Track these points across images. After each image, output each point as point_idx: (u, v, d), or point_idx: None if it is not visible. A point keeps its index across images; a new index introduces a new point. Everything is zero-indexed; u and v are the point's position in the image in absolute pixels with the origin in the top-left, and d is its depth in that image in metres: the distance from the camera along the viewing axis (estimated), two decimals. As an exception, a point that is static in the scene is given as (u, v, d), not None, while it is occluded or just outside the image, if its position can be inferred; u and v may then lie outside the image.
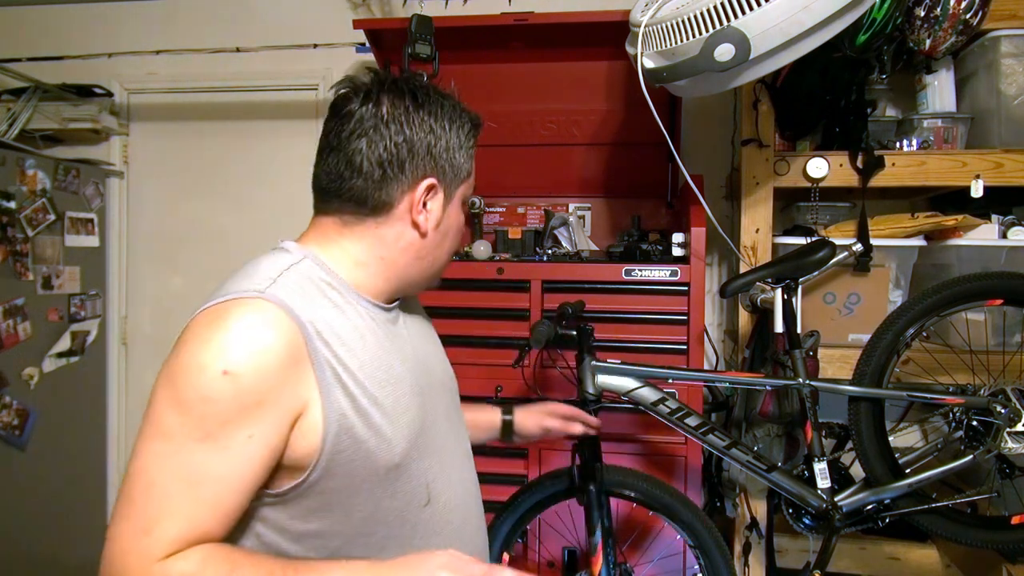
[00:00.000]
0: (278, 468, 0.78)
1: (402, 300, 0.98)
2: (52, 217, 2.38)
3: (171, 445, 0.72)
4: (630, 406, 1.65)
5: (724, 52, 1.27)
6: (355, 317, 0.85)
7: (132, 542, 0.71)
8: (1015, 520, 1.54)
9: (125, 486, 0.73)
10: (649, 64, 1.43)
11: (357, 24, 2.13)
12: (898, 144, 1.89)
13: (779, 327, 1.57)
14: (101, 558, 0.72)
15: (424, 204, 0.88)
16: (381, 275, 0.90)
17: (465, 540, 0.96)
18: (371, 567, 0.76)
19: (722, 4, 1.26)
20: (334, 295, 0.85)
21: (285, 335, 0.76)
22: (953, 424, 1.56)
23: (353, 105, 0.86)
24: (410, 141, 0.85)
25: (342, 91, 0.88)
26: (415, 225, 0.88)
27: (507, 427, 1.31)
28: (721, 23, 1.26)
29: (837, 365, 1.81)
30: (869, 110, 1.93)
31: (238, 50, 2.61)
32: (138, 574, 0.70)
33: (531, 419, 1.34)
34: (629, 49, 1.51)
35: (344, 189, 0.86)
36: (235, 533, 0.79)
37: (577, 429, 1.40)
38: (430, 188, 0.87)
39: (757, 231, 1.88)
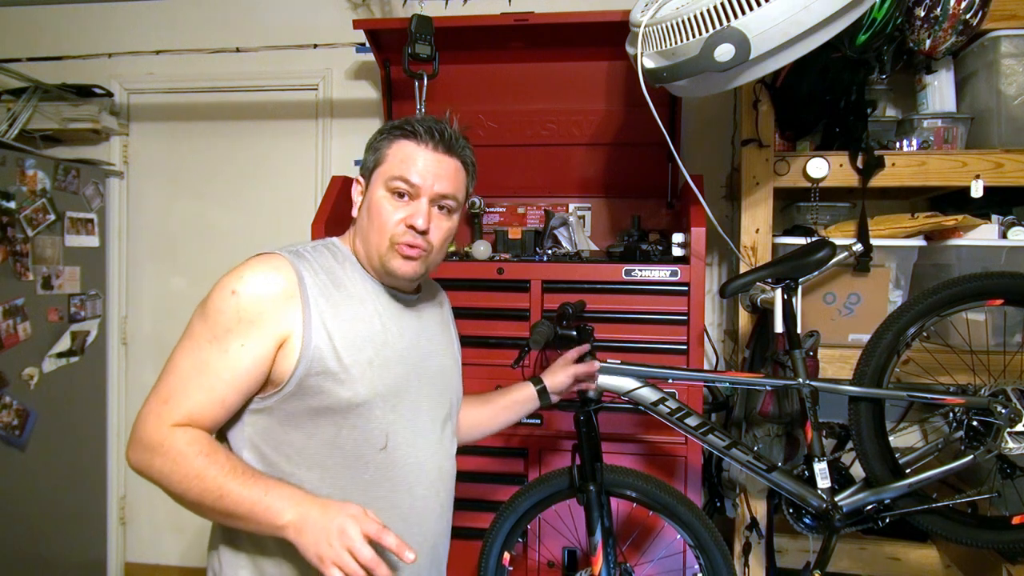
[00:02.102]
0: (267, 382, 1.01)
1: (428, 298, 1.23)
2: (52, 217, 2.38)
3: (192, 342, 0.99)
4: (630, 406, 1.65)
5: (724, 52, 1.27)
6: (358, 288, 1.10)
7: (154, 407, 0.97)
8: (1015, 520, 1.54)
9: (161, 372, 0.99)
10: (649, 64, 1.43)
11: (357, 24, 2.13)
12: (898, 144, 1.89)
13: (779, 327, 1.57)
14: (135, 419, 0.98)
15: (361, 195, 1.16)
16: (363, 260, 1.14)
17: (416, 506, 1.11)
18: (301, 493, 0.96)
19: (722, 4, 1.26)
20: (346, 270, 1.11)
21: (284, 278, 1.01)
22: (953, 424, 1.56)
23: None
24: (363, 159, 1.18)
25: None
26: (353, 219, 1.19)
27: (543, 393, 1.45)
28: (721, 23, 1.26)
29: (837, 365, 1.81)
30: (869, 110, 1.93)
31: (238, 50, 2.61)
32: (152, 429, 0.96)
33: (559, 375, 1.47)
34: (629, 49, 1.51)
35: None
36: (232, 428, 1.03)
37: (595, 366, 1.49)
38: (356, 182, 1.16)
39: (757, 231, 1.88)
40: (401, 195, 1.09)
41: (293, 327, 0.99)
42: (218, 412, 0.99)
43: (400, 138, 1.11)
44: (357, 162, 2.57)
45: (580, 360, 1.50)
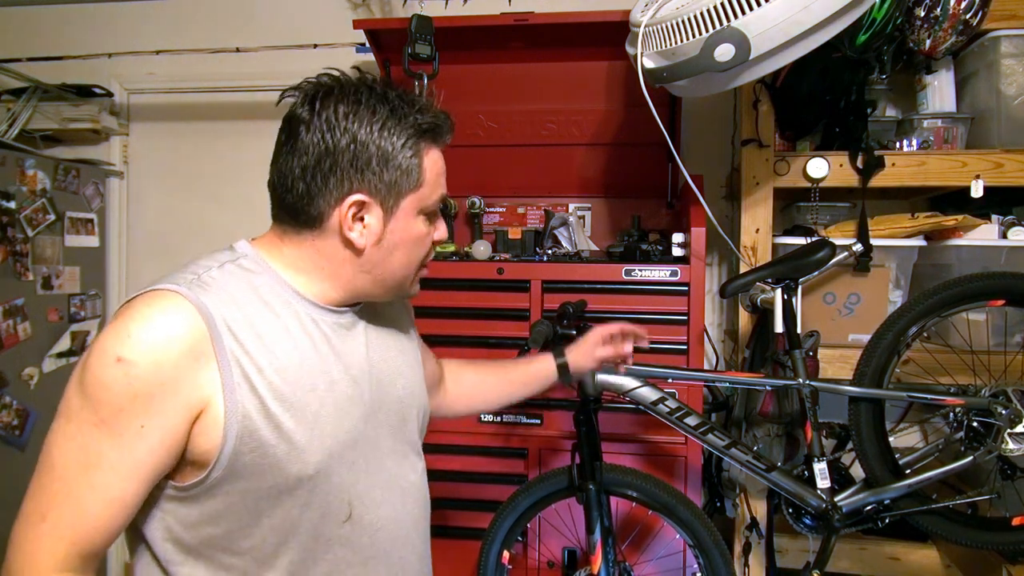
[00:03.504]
0: (183, 461, 0.77)
1: (369, 307, 0.94)
2: (52, 217, 2.38)
3: (72, 426, 0.73)
4: (630, 406, 1.65)
5: (724, 52, 1.27)
6: (289, 319, 0.83)
7: (25, 531, 0.72)
8: (1016, 521, 1.54)
9: (35, 473, 0.74)
10: (649, 64, 1.43)
11: (357, 24, 2.13)
12: (898, 144, 1.89)
13: (779, 327, 1.57)
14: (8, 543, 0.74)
15: (361, 219, 0.83)
16: (326, 283, 0.87)
17: (392, 566, 0.92)
18: None
19: (722, 4, 1.26)
20: (269, 295, 0.83)
21: (188, 330, 0.74)
22: (954, 425, 1.56)
23: (293, 111, 0.84)
24: (331, 152, 0.80)
25: (285, 93, 0.86)
26: (347, 242, 0.84)
27: (563, 369, 1.30)
28: (721, 23, 1.26)
29: (837, 365, 1.81)
30: (869, 110, 1.93)
31: (238, 50, 2.61)
32: (23, 570, 0.71)
33: (584, 355, 1.33)
34: (629, 49, 1.51)
35: (280, 201, 0.86)
36: (141, 521, 0.80)
37: (628, 349, 1.36)
38: (358, 204, 0.82)
39: (757, 231, 1.88)
40: (432, 216, 0.90)
41: (209, 392, 0.75)
42: (118, 515, 0.74)
43: (431, 146, 0.86)
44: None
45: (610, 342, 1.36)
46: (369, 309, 0.95)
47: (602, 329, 1.36)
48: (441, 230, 0.92)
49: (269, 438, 0.78)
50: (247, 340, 0.78)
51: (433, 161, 0.86)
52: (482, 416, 1.88)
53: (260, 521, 0.81)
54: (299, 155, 0.82)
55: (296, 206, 0.84)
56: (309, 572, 0.85)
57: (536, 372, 1.30)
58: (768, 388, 1.72)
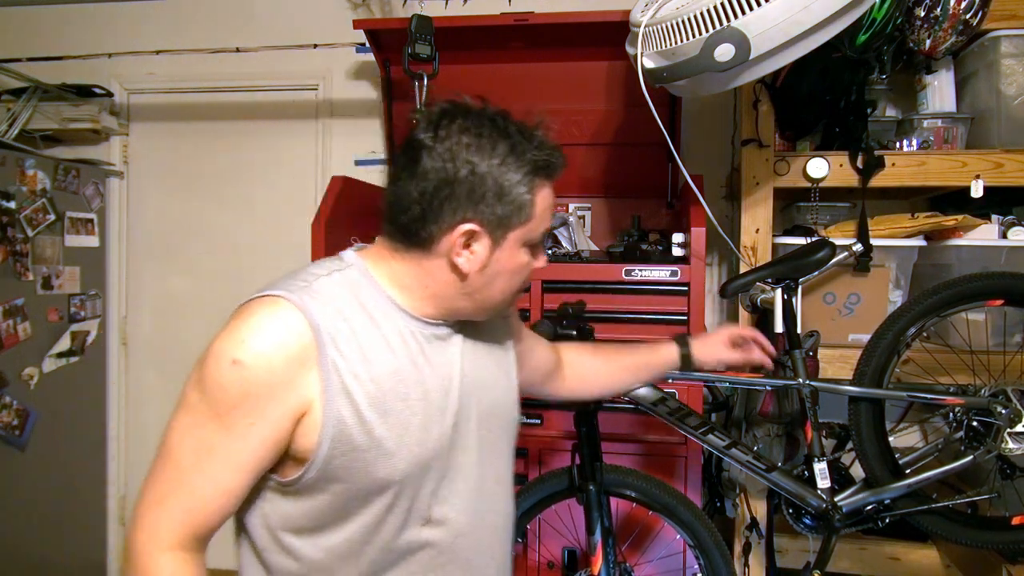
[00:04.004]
0: (286, 456, 0.83)
1: (467, 320, 0.96)
2: (52, 217, 2.38)
3: (189, 419, 0.80)
4: (630, 406, 1.65)
5: (724, 52, 1.27)
6: (389, 329, 0.87)
7: (149, 509, 0.80)
8: (1015, 521, 1.54)
9: (156, 457, 0.82)
10: (649, 64, 1.43)
11: (357, 24, 2.13)
12: (898, 144, 1.89)
13: (779, 327, 1.56)
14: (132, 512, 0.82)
15: (467, 246, 0.86)
16: (427, 300, 0.90)
17: (471, 572, 0.95)
18: None
19: (722, 4, 1.26)
20: (371, 306, 0.87)
21: (296, 338, 0.79)
22: (953, 424, 1.56)
23: (415, 133, 0.86)
24: (450, 181, 0.83)
25: (412, 116, 0.90)
26: (453, 266, 0.87)
27: (686, 360, 1.32)
28: (721, 23, 1.26)
29: (837, 365, 1.81)
30: (869, 110, 1.93)
31: (238, 50, 2.61)
32: (142, 543, 0.79)
33: (708, 351, 1.34)
34: (629, 49, 1.51)
35: (394, 220, 0.87)
36: (244, 509, 0.86)
37: (757, 357, 1.37)
38: (469, 233, 0.84)
39: (757, 231, 1.88)
40: (535, 248, 0.92)
41: (311, 396, 0.80)
42: (227, 503, 0.82)
43: (545, 182, 0.88)
44: (358, 162, 2.59)
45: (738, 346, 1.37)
46: (467, 322, 0.97)
47: (732, 330, 1.37)
48: (542, 260, 0.94)
49: (361, 443, 0.82)
50: (348, 348, 0.82)
51: (544, 197, 0.88)
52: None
53: (348, 520, 0.86)
54: (419, 180, 0.84)
55: (409, 227, 0.86)
56: (388, 571, 0.89)
57: (656, 360, 1.32)
58: (768, 388, 1.72)
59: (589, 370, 1.29)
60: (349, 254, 0.92)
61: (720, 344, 1.37)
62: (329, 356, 0.80)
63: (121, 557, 0.84)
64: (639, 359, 1.32)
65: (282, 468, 0.84)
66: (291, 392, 0.79)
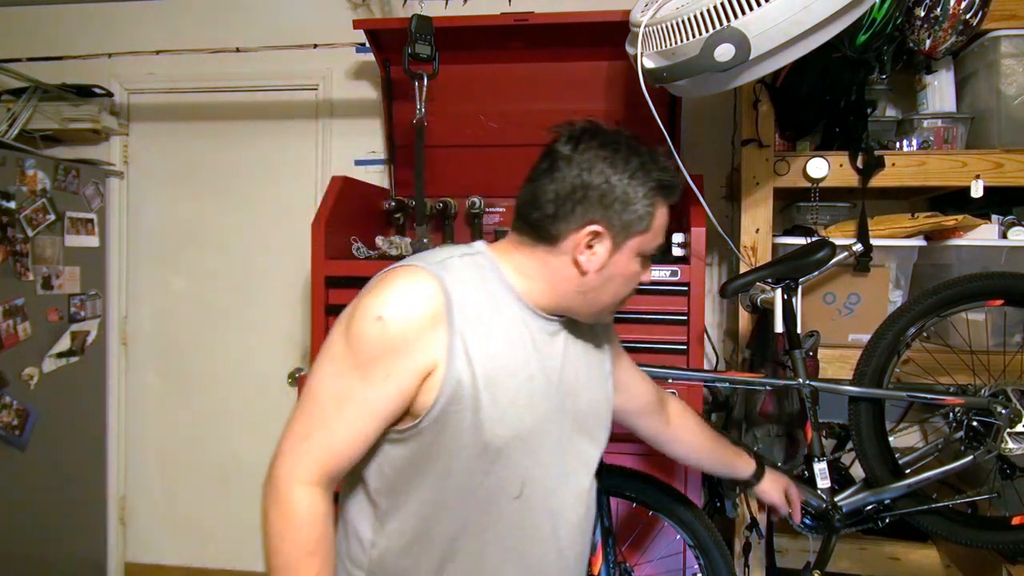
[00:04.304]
0: (406, 413, 0.92)
1: (573, 323, 1.04)
2: (52, 217, 2.38)
3: (334, 366, 0.91)
4: (630, 406, 1.65)
5: (724, 52, 1.27)
6: (506, 312, 0.96)
7: (293, 444, 0.90)
8: (1015, 521, 1.54)
9: (299, 400, 0.92)
10: (649, 64, 1.43)
11: (357, 24, 2.13)
12: (898, 144, 1.89)
13: (779, 327, 1.57)
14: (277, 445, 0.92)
15: (590, 247, 0.95)
16: (544, 292, 0.99)
17: (548, 559, 1.01)
18: None
19: (722, 4, 1.26)
20: (493, 289, 0.97)
21: (432, 301, 0.90)
22: (953, 424, 1.56)
23: (556, 145, 0.98)
24: (585, 186, 0.93)
25: (554, 130, 1.01)
26: (576, 263, 0.96)
27: (750, 484, 1.43)
28: (721, 23, 1.26)
29: (837, 365, 1.81)
30: (869, 110, 1.93)
31: (238, 50, 2.61)
32: (284, 475, 0.89)
33: (770, 489, 1.43)
34: (629, 49, 1.51)
35: (526, 216, 0.99)
36: (364, 465, 0.96)
37: (792, 516, 1.46)
38: (594, 234, 0.94)
39: (757, 231, 1.88)
40: (646, 261, 1.01)
41: (438, 356, 0.89)
42: (358, 446, 0.91)
43: (664, 202, 0.98)
44: (358, 162, 2.59)
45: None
46: (573, 325, 1.05)
47: (792, 490, 1.45)
48: (648, 274, 1.03)
49: (472, 405, 0.91)
50: (472, 319, 0.92)
51: (661, 214, 0.98)
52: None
53: (448, 477, 0.94)
54: (556, 183, 0.95)
55: (540, 223, 0.97)
56: (476, 534, 0.97)
57: (735, 465, 1.40)
58: (768, 388, 1.72)
59: (691, 433, 1.36)
60: (479, 243, 1.04)
61: (779, 489, 1.44)
62: (456, 322, 0.90)
63: (264, 488, 0.91)
64: (725, 457, 1.40)
65: (400, 422, 0.93)
66: (422, 351, 0.89)
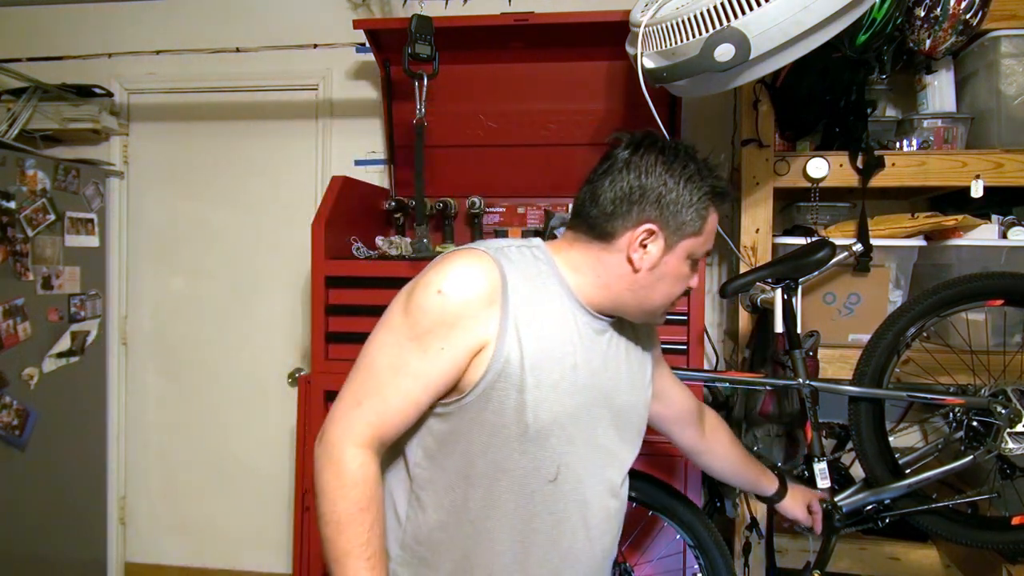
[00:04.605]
0: (453, 388, 0.96)
1: (620, 325, 1.09)
2: (52, 217, 2.38)
3: (392, 336, 0.95)
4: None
5: (724, 52, 1.27)
6: (557, 303, 1.00)
7: (347, 408, 0.94)
8: (1015, 521, 1.54)
9: (354, 368, 0.97)
10: (649, 64, 1.43)
11: (357, 24, 2.13)
12: (898, 144, 1.89)
13: (779, 327, 1.57)
14: (332, 407, 0.96)
15: (644, 245, 0.99)
16: (597, 288, 1.03)
17: (577, 546, 1.04)
18: None
19: (722, 4, 1.26)
20: (547, 281, 1.01)
21: (489, 281, 0.95)
22: (953, 424, 1.56)
23: (617, 150, 1.02)
24: (643, 188, 0.98)
25: (615, 137, 1.04)
26: (629, 261, 1.00)
27: (773, 500, 1.47)
28: (721, 23, 1.26)
29: (837, 365, 1.81)
30: (869, 110, 1.93)
31: (238, 50, 2.61)
32: (337, 436, 0.93)
33: (792, 505, 1.47)
34: (629, 49, 1.51)
35: (584, 214, 1.03)
36: (405, 439, 1.00)
37: (814, 527, 1.50)
38: (649, 232, 0.99)
39: (757, 231, 1.88)
40: (695, 265, 1.06)
41: (490, 334, 0.94)
42: (410, 414, 0.96)
43: (716, 208, 1.03)
44: (358, 162, 2.59)
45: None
46: (620, 327, 1.09)
47: (815, 504, 1.49)
48: (695, 280, 1.08)
49: (517, 384, 0.95)
50: (524, 304, 0.96)
51: (713, 219, 1.03)
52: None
53: (485, 454, 0.98)
54: (616, 183, 1.00)
55: (596, 221, 1.01)
56: (509, 514, 1.00)
57: (759, 483, 1.45)
58: (768, 388, 1.72)
59: (723, 450, 1.40)
60: (536, 240, 1.08)
61: (802, 505, 1.48)
62: (511, 304, 0.95)
63: (316, 451, 0.95)
64: (751, 475, 1.43)
65: (446, 395, 0.97)
66: (476, 327, 0.93)
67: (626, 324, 1.10)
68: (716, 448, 1.39)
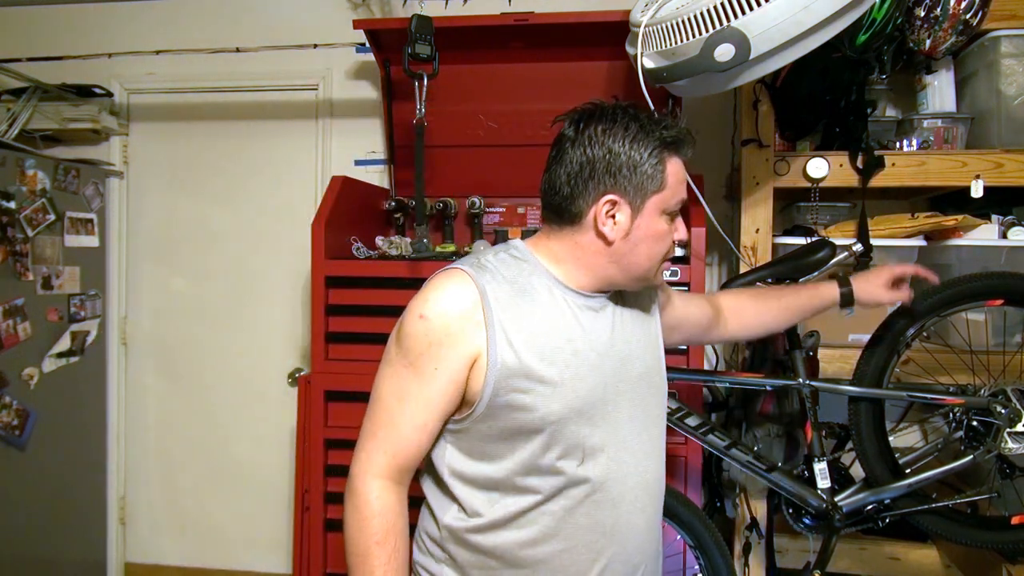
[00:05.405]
0: (462, 402, 1.00)
1: (619, 295, 1.10)
2: (52, 217, 2.38)
3: (391, 368, 1.00)
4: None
5: (724, 52, 1.27)
6: (546, 297, 1.02)
7: (368, 441, 1.00)
8: (1015, 520, 1.54)
9: (370, 400, 1.02)
10: (649, 64, 1.43)
11: (357, 24, 2.13)
12: (898, 144, 1.89)
13: (779, 327, 1.56)
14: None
15: (612, 216, 1.00)
16: (580, 271, 1.04)
17: (620, 522, 1.05)
18: None
19: (722, 4, 1.26)
20: (531, 278, 1.03)
21: (467, 297, 0.97)
22: (953, 424, 1.56)
23: (562, 131, 1.03)
24: (591, 160, 0.98)
25: (557, 119, 1.05)
26: (601, 236, 1.01)
27: (846, 299, 1.41)
28: (721, 23, 1.27)
29: (837, 365, 1.81)
30: (869, 110, 1.93)
31: (238, 50, 2.61)
32: (360, 469, 0.99)
33: (869, 291, 1.42)
34: (629, 49, 1.51)
35: (548, 203, 1.05)
36: (432, 452, 1.03)
37: (910, 295, 1.43)
38: (611, 203, 0.99)
39: (757, 231, 1.88)
40: (673, 217, 1.05)
41: (480, 345, 0.97)
42: (423, 437, 1.00)
43: (674, 156, 1.02)
44: (358, 162, 2.59)
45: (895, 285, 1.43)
46: (619, 297, 1.10)
47: (895, 269, 1.43)
48: (681, 230, 1.06)
49: (521, 385, 0.97)
50: (509, 309, 0.98)
51: (675, 169, 1.02)
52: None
53: (512, 453, 1.00)
54: (565, 165, 1.00)
55: (561, 206, 1.02)
56: (544, 505, 1.01)
57: (816, 300, 1.40)
58: (768, 388, 1.72)
59: (750, 313, 1.38)
60: (516, 240, 1.10)
61: (880, 285, 1.42)
62: (494, 312, 0.97)
63: (345, 488, 1.01)
64: (800, 300, 1.40)
65: (457, 411, 1.01)
66: (464, 342, 0.96)
67: (626, 292, 1.11)
68: (747, 317, 1.37)
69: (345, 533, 0.99)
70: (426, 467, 1.07)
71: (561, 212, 1.02)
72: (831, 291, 1.41)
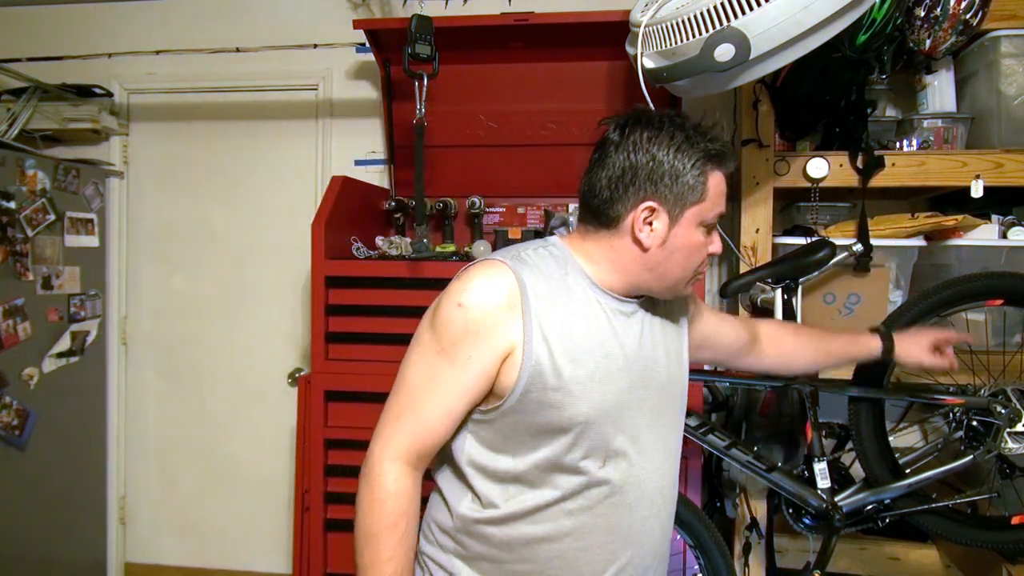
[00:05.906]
0: (490, 394, 0.99)
1: (650, 302, 1.10)
2: (52, 217, 2.38)
3: (421, 353, 1.00)
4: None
5: (724, 52, 1.27)
6: (580, 296, 1.02)
7: (388, 422, 0.99)
8: (1015, 520, 1.54)
9: (392, 389, 1.01)
10: (649, 64, 1.43)
11: (357, 24, 2.13)
12: (898, 144, 1.89)
13: (779, 327, 1.56)
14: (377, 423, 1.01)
15: (650, 224, 1.00)
16: (614, 274, 1.04)
17: (636, 527, 1.05)
18: None
19: (722, 4, 1.26)
20: (569, 276, 1.03)
21: (507, 289, 0.97)
22: (953, 424, 1.56)
23: (606, 135, 1.03)
24: (634, 166, 0.99)
25: (604, 121, 1.05)
26: (637, 242, 1.01)
27: (887, 355, 1.39)
28: (721, 23, 1.27)
29: (837, 365, 1.80)
30: (869, 110, 1.93)
31: (238, 50, 2.61)
32: (378, 451, 0.98)
33: (911, 352, 1.40)
34: (629, 49, 1.51)
35: (587, 204, 1.05)
36: (452, 442, 1.03)
37: (948, 363, 1.42)
38: (650, 210, 0.99)
39: (757, 231, 1.88)
40: (710, 229, 1.04)
41: (515, 339, 0.97)
42: (446, 425, 1.00)
43: (716, 169, 1.01)
44: (358, 162, 2.59)
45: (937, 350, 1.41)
46: (650, 305, 1.10)
47: (937, 334, 1.42)
48: (716, 244, 1.06)
49: (552, 383, 0.97)
50: (546, 305, 0.98)
51: (716, 182, 1.01)
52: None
53: (536, 449, 1.00)
54: (607, 169, 1.01)
55: (599, 209, 1.02)
56: (562, 504, 1.02)
57: (854, 349, 1.40)
58: (768, 388, 1.72)
59: (789, 347, 1.37)
60: (553, 237, 1.10)
61: (923, 348, 1.41)
62: (532, 307, 0.97)
63: (361, 468, 1.01)
64: (838, 346, 1.39)
65: (485, 402, 1.00)
66: (500, 334, 0.96)
67: (657, 300, 1.11)
68: (786, 352, 1.36)
69: (357, 512, 0.98)
70: (442, 455, 1.06)
71: (599, 215, 1.02)
72: (871, 343, 1.39)
